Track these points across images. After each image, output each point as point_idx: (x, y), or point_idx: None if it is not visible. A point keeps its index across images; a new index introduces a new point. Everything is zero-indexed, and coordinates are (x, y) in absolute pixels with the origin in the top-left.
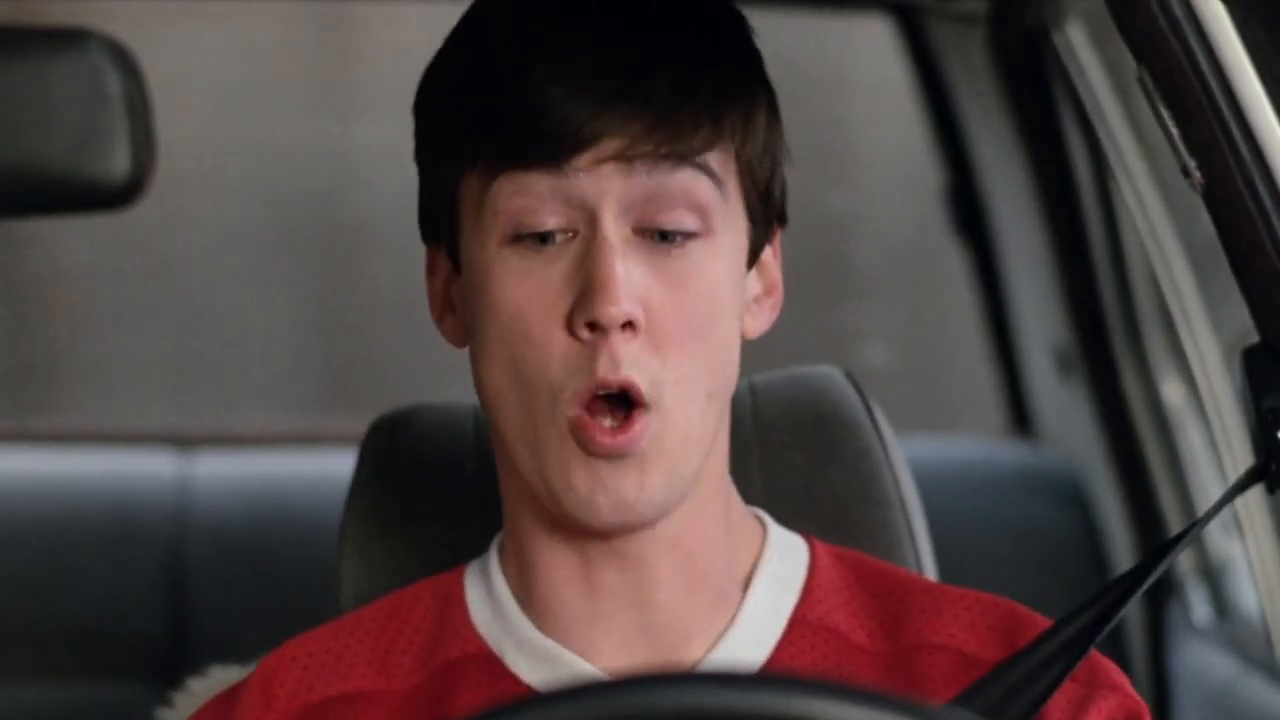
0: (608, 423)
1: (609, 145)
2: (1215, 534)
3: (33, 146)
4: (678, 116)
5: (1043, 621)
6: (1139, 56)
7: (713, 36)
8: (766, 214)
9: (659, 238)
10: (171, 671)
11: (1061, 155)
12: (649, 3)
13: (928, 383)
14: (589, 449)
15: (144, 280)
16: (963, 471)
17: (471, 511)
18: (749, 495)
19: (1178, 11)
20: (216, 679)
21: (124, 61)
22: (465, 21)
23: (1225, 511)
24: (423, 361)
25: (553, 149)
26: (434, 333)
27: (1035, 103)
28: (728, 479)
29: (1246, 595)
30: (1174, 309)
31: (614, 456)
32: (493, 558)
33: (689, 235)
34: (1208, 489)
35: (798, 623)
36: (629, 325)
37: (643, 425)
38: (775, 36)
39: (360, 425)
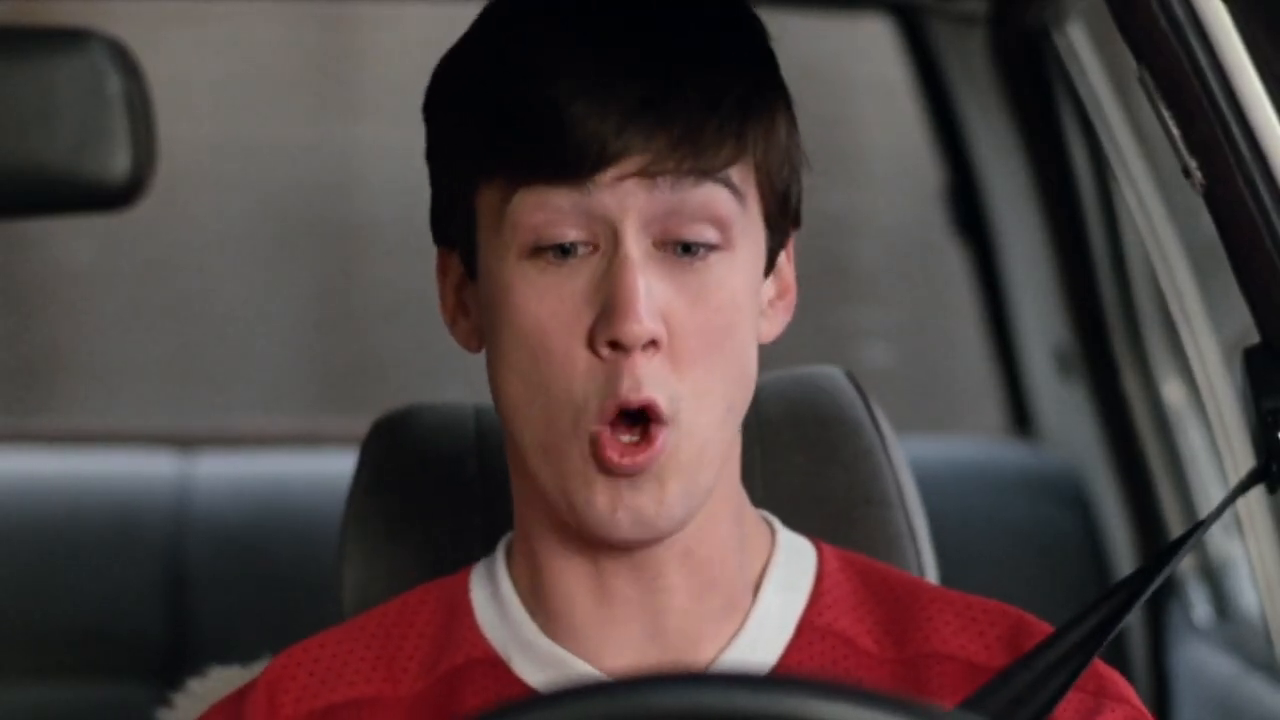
0: (626, 438)
1: (632, 161)
2: (1216, 534)
3: (33, 146)
4: (702, 132)
5: (1051, 630)
6: (1139, 56)
7: (735, 47)
8: (783, 221)
9: (680, 250)
10: (171, 671)
11: (1062, 155)
12: (671, 12)
13: (928, 383)
14: (608, 469)
15: (144, 280)
16: (963, 472)
17: (473, 511)
18: (749, 495)
19: (1178, 11)
20: (216, 679)
21: (125, 61)
22: (481, 25)
23: (1226, 512)
24: (423, 361)
25: (576, 165)
26: (434, 332)
27: (1035, 103)
28: (740, 486)
29: (1247, 595)
30: (1174, 309)
31: (633, 473)
32: (499, 561)
33: (710, 248)
34: (1208, 489)
35: (806, 628)
36: (651, 343)
37: (661, 441)
38: (776, 36)
39: (361, 425)
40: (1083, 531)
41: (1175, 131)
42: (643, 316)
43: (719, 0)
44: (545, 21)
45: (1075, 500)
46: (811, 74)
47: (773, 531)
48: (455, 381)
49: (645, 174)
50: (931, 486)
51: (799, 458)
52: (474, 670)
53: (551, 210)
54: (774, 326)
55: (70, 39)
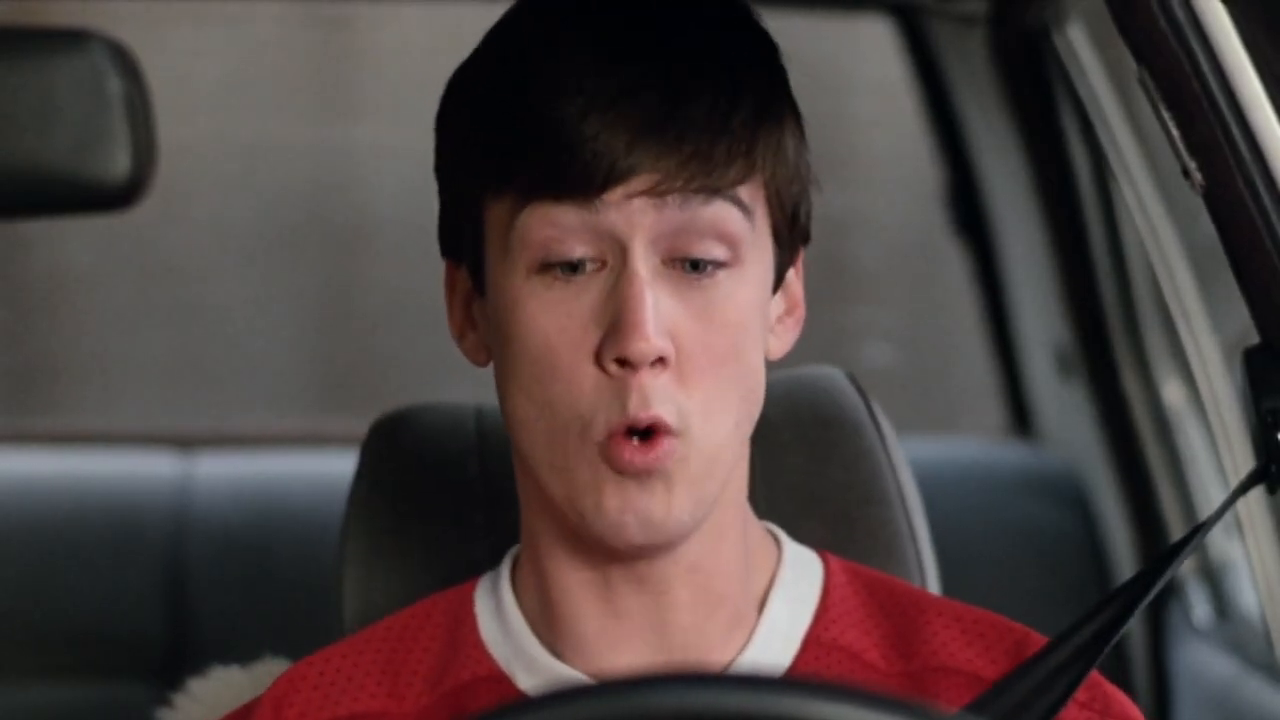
0: (635, 441)
1: (641, 180)
2: (1216, 535)
3: (33, 147)
4: (712, 150)
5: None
6: (1139, 57)
7: (746, 62)
8: (792, 237)
9: (689, 267)
10: (171, 671)
11: (1062, 156)
12: (682, 27)
13: (928, 383)
14: (618, 467)
15: (144, 280)
16: (963, 472)
17: (474, 511)
18: (750, 496)
19: (1178, 12)
20: (216, 679)
21: (124, 62)
22: (492, 38)
23: (1225, 513)
24: (423, 361)
25: (585, 182)
26: (434, 332)
27: (1035, 103)
28: (746, 501)
29: (1246, 596)
30: (1174, 309)
31: (641, 474)
32: (504, 575)
33: (718, 265)
34: (1208, 490)
35: (812, 642)
36: (659, 360)
37: (669, 445)
38: (776, 36)
39: (361, 425)
40: (1082, 532)
41: (1175, 132)
42: (650, 334)
43: (730, 14)
44: (556, 36)
45: (1075, 500)
46: (811, 74)
47: (779, 544)
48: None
49: (654, 192)
50: (931, 487)
51: (799, 458)
52: (479, 687)
53: (560, 227)
54: (782, 343)
55: (70, 39)
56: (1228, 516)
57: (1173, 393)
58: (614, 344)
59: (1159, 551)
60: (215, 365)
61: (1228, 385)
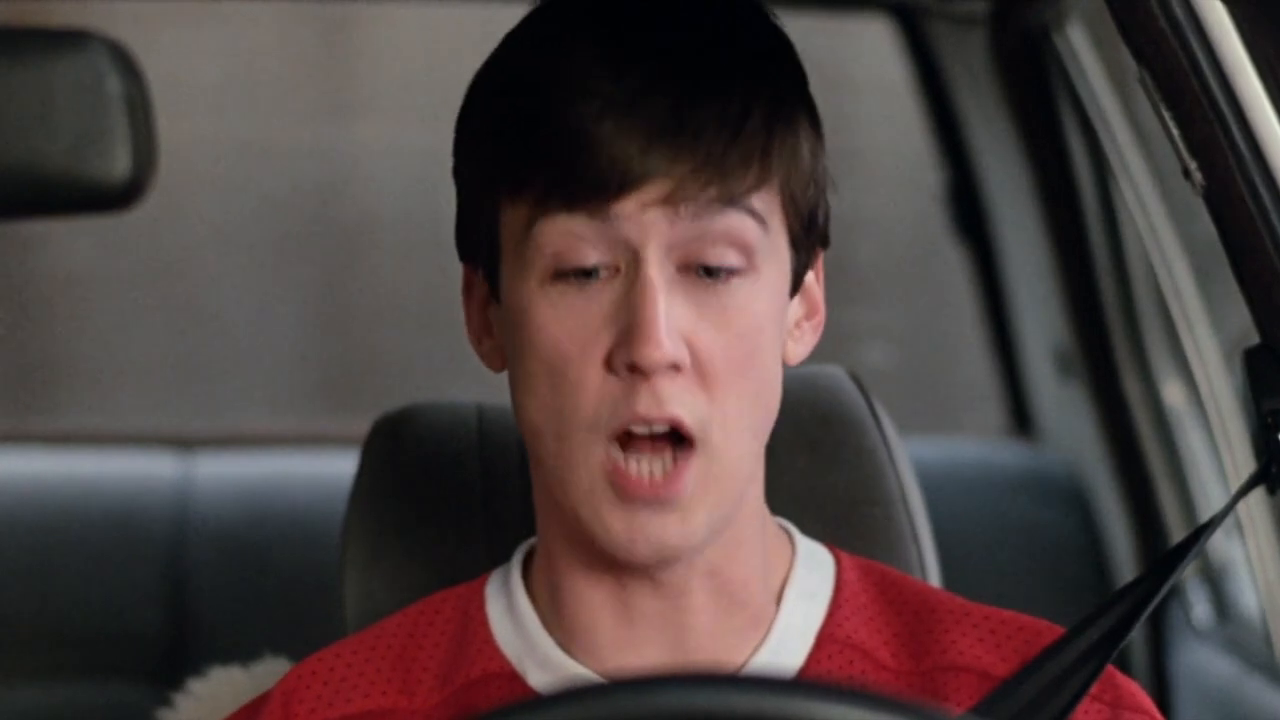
0: (649, 468)
1: (655, 189)
2: (1216, 536)
3: (33, 148)
4: (725, 158)
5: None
6: (1140, 57)
7: (760, 65)
8: (809, 241)
9: (703, 273)
10: (171, 671)
11: (1062, 156)
12: (695, 31)
13: (928, 383)
14: (624, 495)
15: (144, 281)
16: (963, 472)
17: (476, 509)
18: None
19: (1178, 12)
20: (217, 679)
21: (124, 62)
22: (508, 45)
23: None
24: (424, 361)
25: (598, 191)
26: (435, 332)
27: (1036, 103)
28: (763, 503)
29: (1247, 597)
30: (1174, 310)
31: (654, 503)
32: (515, 572)
33: (733, 272)
34: (1208, 490)
35: (825, 640)
36: (673, 367)
37: (690, 470)
38: None
39: (361, 425)
40: (1083, 532)
41: (1175, 132)
42: (663, 340)
43: (745, 15)
44: (569, 41)
45: (1075, 501)
46: (812, 75)
47: (791, 540)
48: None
49: (668, 201)
50: (932, 487)
51: (801, 457)
52: (490, 684)
53: (573, 236)
54: (801, 347)
55: (70, 40)
56: (1228, 518)
57: (1173, 393)
58: (626, 350)
59: (1159, 552)
60: (215, 365)
61: (1228, 386)
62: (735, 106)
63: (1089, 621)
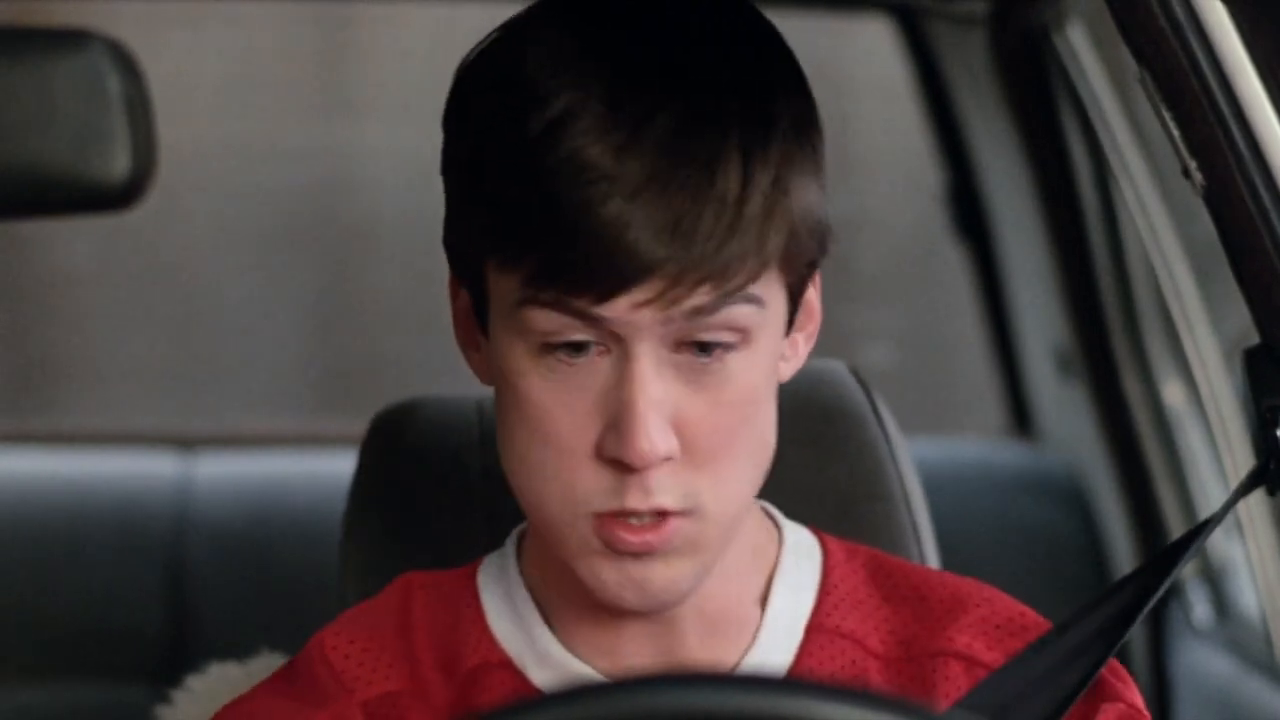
0: (634, 520)
1: (647, 289)
2: (1215, 535)
3: (33, 147)
4: (721, 255)
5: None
6: (1140, 57)
7: (764, 117)
8: (807, 276)
9: (697, 350)
10: (171, 671)
11: (1062, 156)
12: (696, 76)
13: (928, 383)
14: (615, 548)
15: (144, 280)
16: (963, 472)
17: (476, 505)
18: None
19: (1179, 12)
20: (216, 677)
21: (124, 62)
22: (493, 82)
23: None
24: (423, 360)
25: (589, 288)
26: (434, 332)
27: (1036, 103)
28: (756, 510)
29: (1246, 596)
30: (1174, 310)
31: (642, 554)
32: (511, 561)
33: (727, 347)
34: (1208, 490)
35: (815, 630)
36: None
37: (675, 526)
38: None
39: (361, 425)
40: (1082, 532)
41: (1175, 132)
42: (653, 438)
43: (747, 40)
44: (562, 111)
45: (1075, 500)
46: (812, 75)
47: (779, 529)
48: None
49: (660, 299)
50: (931, 486)
51: (802, 452)
52: (492, 673)
53: (562, 322)
54: (794, 364)
55: (70, 39)
56: (1227, 517)
57: (1173, 393)
58: (615, 444)
59: (1158, 551)
60: (215, 365)
61: (1227, 385)
62: (734, 190)
63: (1082, 615)
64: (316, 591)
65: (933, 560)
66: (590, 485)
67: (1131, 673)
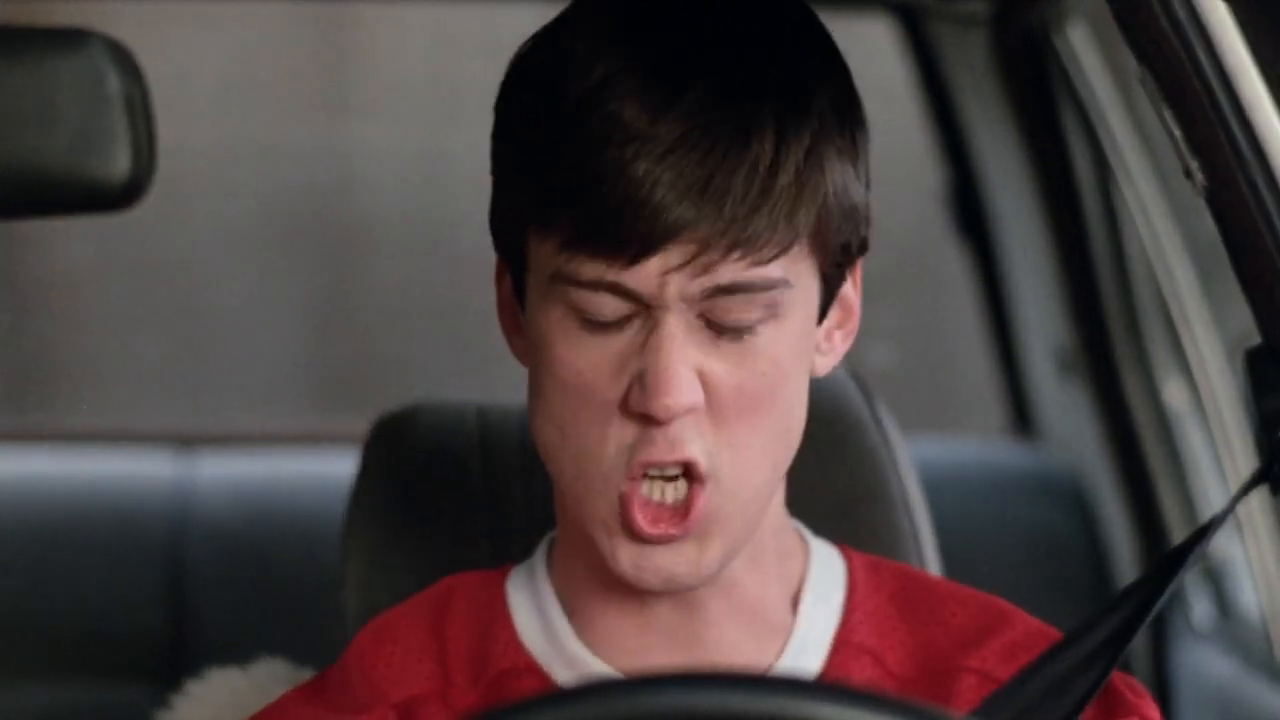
0: (659, 497)
1: (678, 251)
2: (1215, 536)
3: (33, 147)
4: (751, 223)
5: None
6: (1141, 57)
7: (802, 94)
8: (843, 267)
9: (725, 327)
10: (171, 672)
11: (1063, 156)
12: (738, 49)
13: (929, 383)
14: (634, 535)
15: (144, 280)
16: (964, 472)
17: (477, 510)
18: None
19: (1180, 12)
20: (214, 681)
21: (124, 62)
22: (542, 54)
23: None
24: (424, 361)
25: (622, 248)
26: (435, 332)
27: (1037, 103)
28: (784, 512)
29: (1247, 597)
30: (1174, 310)
31: (665, 540)
32: (540, 568)
33: (755, 322)
34: (1209, 490)
35: (841, 645)
36: (688, 410)
37: (701, 505)
38: None
39: (361, 425)
40: (1083, 532)
41: (1177, 132)
42: (677, 392)
43: (790, 25)
44: (605, 69)
45: (1076, 501)
46: None
47: (805, 542)
48: (456, 381)
49: (691, 263)
50: (931, 486)
51: (801, 454)
52: (517, 679)
53: (595, 289)
54: (832, 358)
55: (70, 39)
56: (1228, 518)
57: (1174, 393)
58: (640, 398)
59: (1159, 551)
60: (215, 365)
61: (1228, 386)
62: (766, 158)
63: (1091, 625)
64: (316, 591)
65: (933, 563)
66: (618, 440)
67: (1132, 673)
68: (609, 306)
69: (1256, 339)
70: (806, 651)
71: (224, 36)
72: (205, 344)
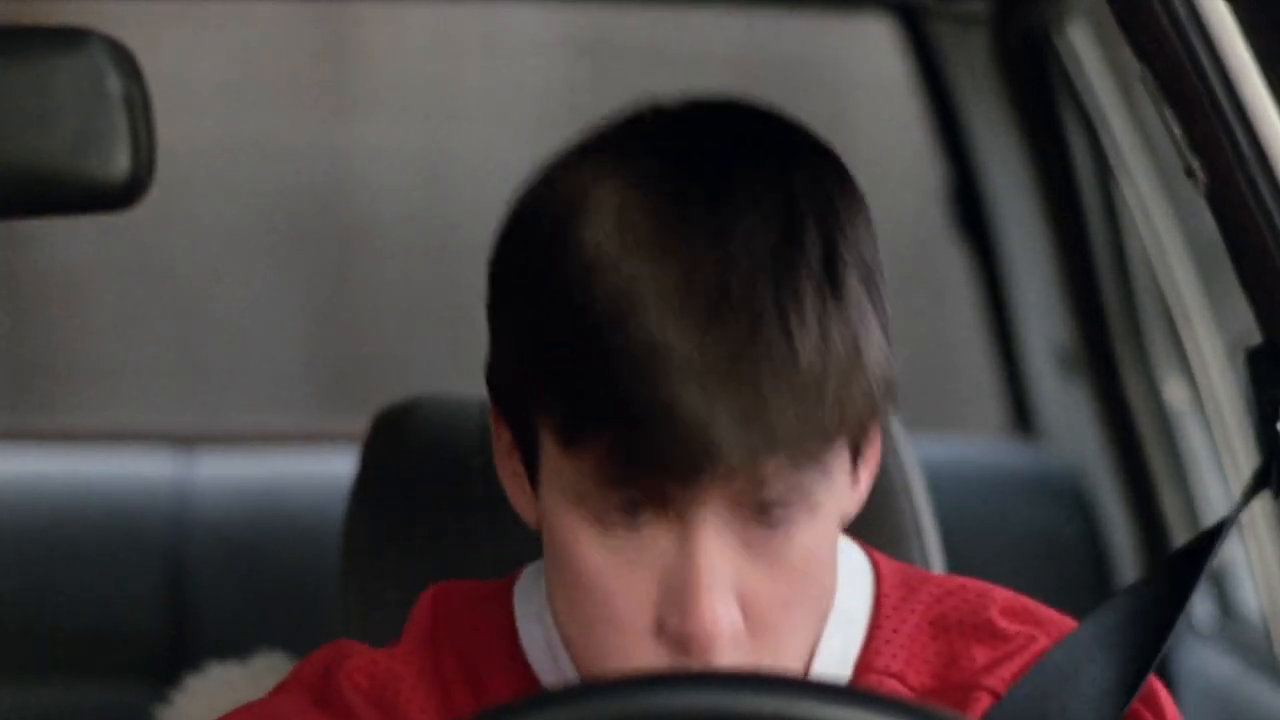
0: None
1: (724, 468)
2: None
3: (33, 146)
4: (802, 440)
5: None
6: (1142, 56)
7: (833, 274)
8: (870, 433)
9: (759, 515)
10: (171, 671)
11: (1064, 155)
12: (764, 235)
13: (929, 383)
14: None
15: (144, 280)
16: (964, 472)
17: (478, 506)
18: None
19: (1180, 11)
20: (215, 677)
21: (124, 62)
22: (553, 236)
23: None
24: (424, 360)
25: (658, 474)
26: (435, 332)
27: (1037, 103)
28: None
29: (1247, 597)
30: (1175, 310)
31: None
32: (544, 593)
33: (790, 512)
34: (1210, 490)
35: (863, 669)
36: None
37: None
38: (776, 37)
39: (361, 424)
40: (1084, 532)
41: (1177, 131)
42: (717, 613)
43: (804, 193)
44: (632, 265)
45: (1076, 501)
46: (812, 74)
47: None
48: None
49: (736, 482)
50: (932, 485)
51: None
52: (518, 692)
53: (620, 493)
54: (860, 493)
55: (70, 39)
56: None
57: (1175, 392)
58: (678, 620)
59: (1160, 551)
60: (215, 365)
61: (1229, 385)
62: (814, 370)
63: (1097, 629)
64: (316, 591)
65: (936, 563)
66: (650, 661)
67: None
68: (637, 506)
69: (1257, 338)
70: (828, 674)
71: (224, 36)
72: (205, 343)
